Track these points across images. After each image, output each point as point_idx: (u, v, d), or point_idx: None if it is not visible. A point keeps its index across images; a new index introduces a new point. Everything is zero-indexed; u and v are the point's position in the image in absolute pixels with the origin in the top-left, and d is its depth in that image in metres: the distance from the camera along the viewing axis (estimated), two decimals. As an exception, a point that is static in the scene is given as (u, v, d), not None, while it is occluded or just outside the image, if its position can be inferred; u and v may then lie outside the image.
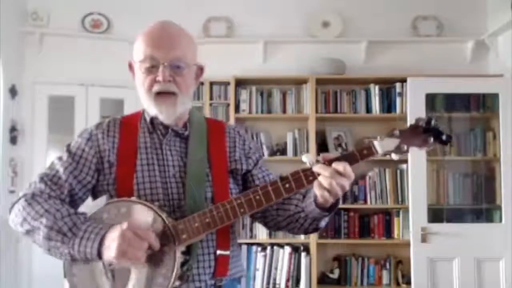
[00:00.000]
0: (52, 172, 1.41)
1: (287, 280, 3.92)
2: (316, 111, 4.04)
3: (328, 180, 1.26)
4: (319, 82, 4.07)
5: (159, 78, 1.37)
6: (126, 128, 1.47)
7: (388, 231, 4.04)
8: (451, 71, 4.06)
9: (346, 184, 1.28)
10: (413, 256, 3.70)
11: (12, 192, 3.94)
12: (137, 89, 1.45)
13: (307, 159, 1.30)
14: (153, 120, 1.46)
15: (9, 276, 3.89)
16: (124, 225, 1.24)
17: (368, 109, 4.11)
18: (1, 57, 3.79)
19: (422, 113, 3.76)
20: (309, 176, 1.30)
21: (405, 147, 1.30)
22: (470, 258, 3.68)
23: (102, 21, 4.26)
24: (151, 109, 1.43)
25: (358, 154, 1.30)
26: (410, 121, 3.83)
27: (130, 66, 1.47)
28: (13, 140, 3.97)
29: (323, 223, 1.43)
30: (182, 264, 1.30)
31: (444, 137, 1.31)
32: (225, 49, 4.23)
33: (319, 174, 1.28)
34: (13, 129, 3.97)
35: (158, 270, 1.27)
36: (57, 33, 4.20)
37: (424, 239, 3.69)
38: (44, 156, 4.18)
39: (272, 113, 4.13)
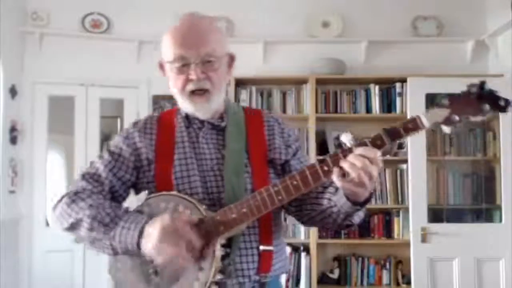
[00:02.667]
0: (93, 170, 1.42)
1: (287, 280, 3.91)
2: (316, 111, 4.04)
3: (354, 167, 1.18)
4: (319, 82, 4.07)
5: (192, 77, 1.37)
6: (163, 124, 1.48)
7: (388, 231, 4.04)
8: (451, 71, 4.06)
9: (374, 171, 1.18)
10: (413, 256, 3.70)
11: (12, 192, 3.94)
12: (170, 88, 1.46)
13: (346, 138, 1.24)
14: (188, 115, 1.46)
15: (9, 276, 3.89)
16: (166, 220, 1.24)
17: (368, 109, 4.11)
18: (1, 57, 3.79)
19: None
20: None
21: (457, 117, 1.18)
22: (470, 258, 3.68)
23: (102, 21, 4.26)
24: (187, 107, 1.43)
25: (402, 129, 1.20)
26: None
27: (161, 66, 1.47)
28: (13, 140, 3.97)
29: (356, 219, 1.36)
30: (223, 258, 1.27)
31: (502, 102, 1.18)
32: (225, 49, 4.23)
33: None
34: (13, 129, 3.97)
35: (199, 264, 1.25)
36: (57, 33, 4.20)
37: (424, 239, 3.69)
38: (44, 156, 4.18)
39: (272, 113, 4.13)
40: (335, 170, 1.20)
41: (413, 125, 1.19)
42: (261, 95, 4.15)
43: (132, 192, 1.48)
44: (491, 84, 1.19)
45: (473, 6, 4.28)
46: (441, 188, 3.99)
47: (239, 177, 1.37)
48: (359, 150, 1.18)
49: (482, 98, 1.19)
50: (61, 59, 4.17)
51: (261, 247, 1.37)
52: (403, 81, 3.97)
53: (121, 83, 4.27)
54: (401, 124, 1.20)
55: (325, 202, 1.37)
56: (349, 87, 4.16)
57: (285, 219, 3.89)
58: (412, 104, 3.79)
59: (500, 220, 3.76)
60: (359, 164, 1.17)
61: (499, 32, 4.04)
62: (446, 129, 1.18)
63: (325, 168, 1.22)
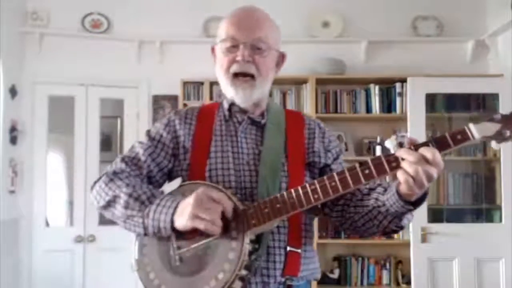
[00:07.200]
0: (133, 154, 1.43)
1: (287, 280, 3.91)
2: (316, 111, 4.04)
3: (414, 167, 1.12)
4: (319, 82, 4.07)
5: (239, 57, 1.36)
6: (203, 115, 1.47)
7: (388, 231, 4.04)
8: (451, 71, 4.06)
9: (434, 173, 1.12)
10: (413, 256, 3.70)
11: (12, 192, 3.94)
12: (217, 72, 1.44)
13: (391, 144, 1.18)
14: (230, 107, 1.45)
15: (9, 276, 3.89)
16: (199, 190, 1.23)
17: (368, 109, 4.11)
18: (1, 57, 3.78)
19: (422, 113, 3.76)
20: (392, 162, 1.16)
21: (508, 133, 1.13)
22: (470, 258, 3.68)
23: (102, 21, 4.26)
24: (228, 91, 1.41)
25: (451, 139, 1.14)
26: (411, 121, 3.86)
27: (213, 50, 1.47)
28: (13, 140, 3.97)
29: (405, 221, 1.28)
30: (250, 253, 1.23)
31: None
32: (225, 49, 4.23)
33: (403, 159, 1.14)
34: (13, 129, 3.97)
35: (225, 256, 1.22)
36: (57, 33, 4.20)
37: (424, 239, 3.69)
38: (44, 156, 4.18)
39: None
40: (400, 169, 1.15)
41: (462, 136, 1.15)
42: (261, 95, 4.14)
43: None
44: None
45: (473, 6, 4.28)
46: (441, 188, 3.98)
47: (275, 175, 1.35)
48: (421, 150, 1.13)
49: None
50: (61, 59, 4.17)
51: (288, 248, 1.33)
52: (403, 81, 3.97)
53: (121, 83, 4.27)
54: (450, 134, 1.15)
55: (371, 202, 1.31)
56: (349, 87, 4.16)
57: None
58: (412, 104, 3.79)
59: (500, 220, 3.76)
60: (419, 165, 1.12)
61: (499, 32, 4.04)
62: (495, 145, 1.16)
63: (366, 171, 1.18)
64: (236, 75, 1.38)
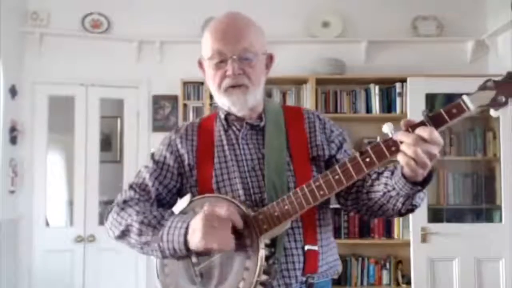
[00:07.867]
0: (140, 180, 1.46)
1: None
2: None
3: (412, 148, 1.11)
4: (319, 82, 4.07)
5: (229, 72, 1.37)
6: (203, 130, 1.49)
7: (388, 231, 4.04)
8: (451, 71, 4.06)
9: (434, 150, 1.12)
10: (413, 256, 3.70)
11: (12, 192, 3.94)
12: (209, 86, 1.46)
13: (388, 128, 1.18)
14: (227, 117, 1.46)
15: (9, 276, 3.89)
16: (206, 209, 1.24)
17: (368, 109, 4.11)
18: (1, 57, 3.79)
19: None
20: (391, 146, 1.16)
21: (503, 99, 1.12)
22: (470, 258, 3.68)
23: (102, 21, 4.26)
24: (224, 103, 1.43)
25: (446, 115, 1.13)
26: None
27: (200, 64, 1.49)
28: (13, 140, 3.97)
29: (418, 201, 1.29)
30: (268, 258, 1.25)
31: None
32: (225, 49, 4.22)
33: (401, 142, 1.14)
34: (13, 129, 3.97)
35: (243, 264, 1.24)
36: (57, 33, 4.20)
37: (424, 239, 3.69)
38: (44, 156, 4.19)
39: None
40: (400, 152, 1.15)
41: (457, 109, 1.14)
42: (261, 95, 4.14)
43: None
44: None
45: (473, 6, 4.28)
46: (441, 188, 3.98)
47: (281, 176, 1.36)
48: (417, 131, 1.13)
49: None
50: (61, 59, 4.17)
51: (306, 247, 1.34)
52: (403, 81, 3.97)
53: (121, 83, 4.27)
54: (444, 109, 1.14)
55: (381, 188, 1.31)
56: (349, 87, 4.16)
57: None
58: (412, 104, 3.79)
59: (500, 220, 3.76)
60: (417, 146, 1.12)
61: (499, 32, 4.04)
62: (493, 112, 1.13)
63: (367, 159, 1.19)
64: (229, 87, 1.40)
